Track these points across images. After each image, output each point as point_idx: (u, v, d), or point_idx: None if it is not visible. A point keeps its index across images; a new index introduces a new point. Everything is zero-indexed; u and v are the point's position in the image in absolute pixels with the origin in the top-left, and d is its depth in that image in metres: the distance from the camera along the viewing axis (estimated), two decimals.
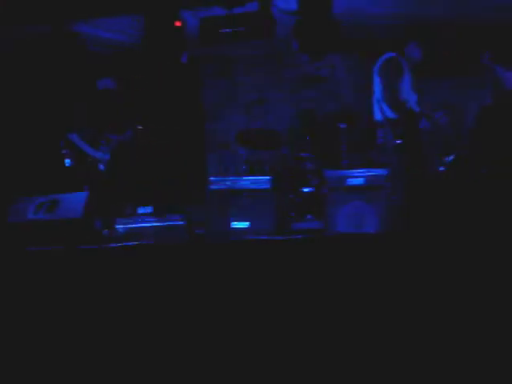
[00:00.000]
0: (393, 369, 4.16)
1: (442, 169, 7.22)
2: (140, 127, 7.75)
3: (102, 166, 7.71)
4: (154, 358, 4.73)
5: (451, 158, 7.27)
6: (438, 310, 4.41)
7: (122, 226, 7.39)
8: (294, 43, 7.17)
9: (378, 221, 6.71)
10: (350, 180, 7.02)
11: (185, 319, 4.91)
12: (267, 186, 7.52)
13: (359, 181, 6.98)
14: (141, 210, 7.74)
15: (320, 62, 8.44)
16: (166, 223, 7.42)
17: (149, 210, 7.75)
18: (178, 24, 7.26)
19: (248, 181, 7.76)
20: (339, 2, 6.93)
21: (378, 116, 6.96)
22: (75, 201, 7.15)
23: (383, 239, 6.19)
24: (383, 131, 6.91)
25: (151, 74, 8.15)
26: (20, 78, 8.57)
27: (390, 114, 6.78)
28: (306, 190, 8.05)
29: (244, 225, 7.29)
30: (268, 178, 7.68)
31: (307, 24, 7.02)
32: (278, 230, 7.21)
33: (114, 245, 6.99)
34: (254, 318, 4.83)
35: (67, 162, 7.69)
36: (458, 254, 4.71)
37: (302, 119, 8.63)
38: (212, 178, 8.00)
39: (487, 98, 7.26)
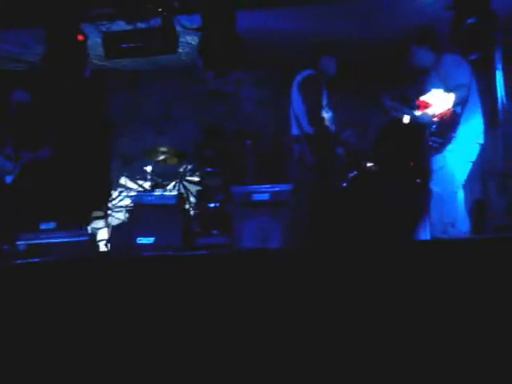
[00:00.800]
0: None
1: (344, 185, 7.09)
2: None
3: (9, 179, 7.38)
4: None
5: (354, 174, 7.14)
6: (343, 323, 4.25)
7: (23, 242, 7.14)
8: (198, 60, 6.92)
9: (282, 236, 6.65)
10: (255, 195, 6.97)
11: (85, 336, 4.48)
12: (173, 201, 7.45)
13: (264, 196, 6.94)
14: (43, 226, 7.36)
15: (225, 79, 8.14)
16: (69, 239, 7.14)
17: (51, 225, 7.39)
18: (80, 38, 6.89)
19: (154, 196, 7.71)
20: (243, 19, 6.74)
21: (295, 131, 6.83)
22: None
23: (288, 254, 6.42)
24: (300, 146, 6.78)
25: (55, 88, 7.77)
26: None
27: (309, 130, 6.66)
28: (211, 205, 7.91)
29: (149, 240, 7.12)
30: (174, 193, 7.76)
31: (211, 41, 6.81)
32: (184, 246, 7.09)
33: (14, 261, 6.70)
34: (158, 334, 4.44)
35: None
36: (359, 267, 4.53)
37: (208, 135, 8.52)
38: (116, 193, 8.11)
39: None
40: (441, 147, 6.11)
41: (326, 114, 6.76)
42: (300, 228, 6.61)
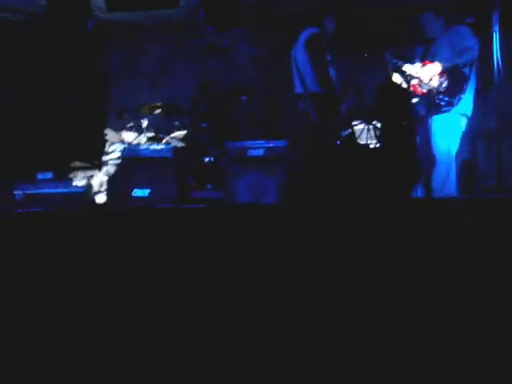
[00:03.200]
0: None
1: (338, 142, 7.02)
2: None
3: None
4: None
5: (347, 132, 7.11)
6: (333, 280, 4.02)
7: (20, 192, 6.99)
8: (200, 14, 6.89)
9: (276, 192, 6.48)
10: (249, 151, 6.77)
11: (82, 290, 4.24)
12: (169, 154, 7.23)
13: (259, 152, 6.75)
14: (40, 176, 7.23)
15: (223, 34, 8.22)
16: (65, 190, 6.99)
17: (48, 175, 7.24)
18: None
19: (149, 149, 7.45)
20: None
21: (298, 89, 6.73)
22: None
23: (281, 210, 6.28)
24: (304, 104, 6.68)
25: (55, 38, 7.56)
26: None
27: (315, 89, 6.55)
28: (206, 159, 7.77)
29: (144, 193, 6.92)
30: (170, 146, 7.52)
31: None
32: (179, 199, 6.94)
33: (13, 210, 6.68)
34: (152, 286, 4.19)
35: None
36: (349, 224, 4.25)
37: (203, 90, 8.29)
38: (113, 145, 8.04)
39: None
40: (448, 106, 6.06)
41: (331, 72, 6.73)
42: (295, 184, 6.50)
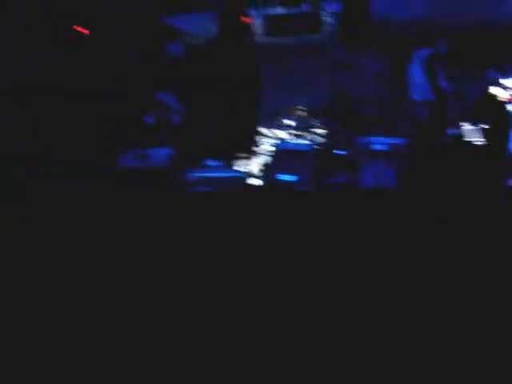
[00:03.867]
0: None
1: (447, 141, 7.72)
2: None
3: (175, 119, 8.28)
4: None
5: (455, 132, 7.78)
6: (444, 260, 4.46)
7: (193, 175, 7.92)
8: (335, 38, 8.01)
9: (396, 179, 7.29)
10: (375, 146, 7.58)
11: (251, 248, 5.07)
12: (309, 148, 8.17)
13: (383, 147, 7.55)
14: (209, 163, 8.26)
15: (353, 53, 8.71)
16: (227, 174, 8.06)
17: (215, 163, 8.27)
18: (246, 20, 8.11)
19: (293, 144, 8.42)
20: (375, 7, 7.66)
21: (415, 97, 7.59)
22: (161, 154, 7.97)
23: (400, 192, 6.98)
24: (419, 109, 7.54)
25: (220, 57, 8.49)
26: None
27: (430, 96, 7.43)
28: (339, 152, 8.34)
29: (289, 178, 7.76)
30: (310, 142, 8.41)
31: (347, 23, 7.83)
32: (316, 184, 7.68)
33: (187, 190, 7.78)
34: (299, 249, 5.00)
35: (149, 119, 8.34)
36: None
37: (338, 97, 9.01)
38: (267, 140, 8.74)
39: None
40: None
41: (443, 85, 7.48)
42: (412, 172, 7.25)
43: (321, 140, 8.73)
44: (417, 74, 7.60)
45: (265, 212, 5.91)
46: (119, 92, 8.79)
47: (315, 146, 8.31)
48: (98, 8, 8.47)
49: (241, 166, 8.68)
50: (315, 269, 4.57)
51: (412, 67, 7.64)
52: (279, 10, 8.06)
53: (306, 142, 8.45)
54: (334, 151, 8.47)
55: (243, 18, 8.09)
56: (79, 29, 8.32)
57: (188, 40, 8.41)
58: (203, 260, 4.86)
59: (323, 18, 7.98)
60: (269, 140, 8.86)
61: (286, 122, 8.88)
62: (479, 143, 7.71)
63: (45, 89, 8.43)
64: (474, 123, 7.99)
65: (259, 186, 8.22)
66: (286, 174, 7.80)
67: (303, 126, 8.86)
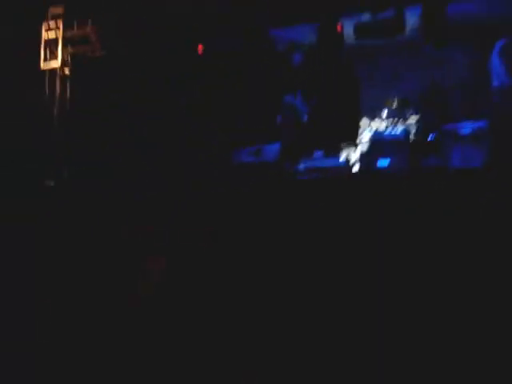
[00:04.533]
0: None
1: None
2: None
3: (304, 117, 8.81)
4: None
5: None
6: None
7: (302, 165, 8.55)
8: (420, 37, 8.38)
9: (482, 159, 7.51)
10: (460, 130, 7.86)
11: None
12: (402, 135, 8.69)
13: (467, 130, 7.79)
14: (315, 154, 8.88)
15: (439, 49, 9.08)
16: (332, 163, 8.58)
17: (320, 153, 8.87)
18: (339, 28, 8.63)
19: (388, 133, 8.98)
20: (453, 7, 8.01)
21: (495, 83, 7.85)
22: (273, 149, 8.57)
23: (486, 172, 7.19)
24: (500, 94, 7.85)
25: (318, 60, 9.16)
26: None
27: (508, 82, 7.74)
28: (429, 137, 8.81)
29: (386, 163, 8.15)
30: (403, 130, 8.89)
31: (428, 23, 8.25)
32: (410, 167, 8.06)
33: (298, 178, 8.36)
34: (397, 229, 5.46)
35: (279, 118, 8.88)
36: None
37: (428, 88, 9.40)
38: (365, 130, 9.29)
39: None
40: None
41: None
42: (497, 153, 7.44)
43: (414, 128, 9.11)
44: (496, 63, 7.90)
45: (365, 195, 6.35)
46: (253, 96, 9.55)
47: (407, 134, 8.72)
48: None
49: (344, 155, 9.15)
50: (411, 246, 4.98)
51: (492, 57, 7.93)
52: (367, 17, 8.54)
53: (400, 131, 8.86)
54: (425, 136, 8.87)
55: (338, 27, 8.62)
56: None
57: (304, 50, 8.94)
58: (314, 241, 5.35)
59: (406, 20, 8.37)
60: (367, 130, 9.31)
61: (383, 113, 9.33)
62: None
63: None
64: None
65: (361, 172, 8.61)
66: (385, 160, 8.15)
67: (398, 116, 9.30)
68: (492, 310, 4.14)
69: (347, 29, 8.76)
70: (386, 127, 9.20)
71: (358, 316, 4.32)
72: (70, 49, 10.46)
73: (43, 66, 10.47)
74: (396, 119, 9.29)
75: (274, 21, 8.95)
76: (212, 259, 5.51)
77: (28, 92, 10.10)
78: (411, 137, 8.85)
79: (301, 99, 8.66)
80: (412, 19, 8.54)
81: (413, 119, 9.20)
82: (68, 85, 10.53)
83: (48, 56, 10.46)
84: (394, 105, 9.38)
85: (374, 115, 9.55)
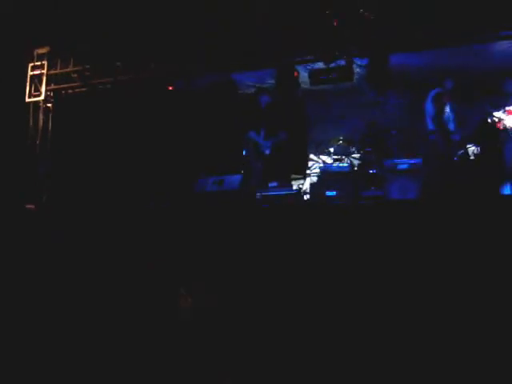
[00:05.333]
0: None
1: (456, 159, 8.19)
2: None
3: (267, 151, 8.59)
4: None
5: (461, 152, 8.31)
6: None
7: (259, 194, 8.32)
8: (365, 84, 8.37)
9: (418, 191, 7.54)
10: (399, 165, 7.85)
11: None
12: (347, 169, 8.56)
13: (405, 166, 7.80)
14: (271, 184, 8.65)
15: (382, 95, 9.34)
16: (285, 192, 8.24)
17: (275, 184, 8.65)
18: (295, 74, 8.56)
19: (335, 166, 8.96)
20: (393, 59, 8.03)
21: (430, 126, 7.99)
22: (234, 179, 8.22)
23: (421, 202, 7.08)
24: (433, 136, 8.00)
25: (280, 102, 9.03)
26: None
27: (436, 126, 7.92)
28: (370, 171, 8.89)
29: (333, 193, 8.13)
30: (348, 164, 8.90)
31: (373, 73, 8.16)
32: (354, 197, 8.02)
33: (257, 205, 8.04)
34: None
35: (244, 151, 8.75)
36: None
37: (368, 128, 9.51)
38: (314, 164, 9.31)
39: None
40: None
41: (450, 115, 7.90)
42: (430, 185, 7.52)
43: (356, 162, 9.22)
44: (429, 108, 8.03)
45: (315, 220, 6.14)
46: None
47: (352, 167, 8.75)
48: None
49: (295, 185, 9.23)
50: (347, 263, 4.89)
51: (426, 103, 8.06)
52: (320, 65, 8.53)
53: (345, 164, 8.90)
54: (367, 171, 8.92)
55: (294, 73, 8.59)
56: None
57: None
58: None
59: (355, 69, 8.39)
60: (316, 164, 9.49)
61: (329, 149, 9.42)
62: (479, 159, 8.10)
63: None
64: (475, 144, 8.52)
65: (310, 200, 8.70)
66: (330, 190, 8.14)
67: (342, 152, 9.43)
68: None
69: (303, 75, 8.75)
70: (333, 161, 9.29)
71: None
72: (53, 85, 10.19)
73: (28, 99, 10.37)
74: (341, 154, 9.43)
75: (236, 66, 8.93)
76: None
77: (13, 122, 10.03)
78: (355, 170, 8.90)
79: (263, 135, 8.48)
80: (359, 68, 8.62)
81: (356, 154, 9.35)
82: (50, 117, 10.36)
83: (33, 91, 10.37)
84: (340, 141, 9.50)
85: (322, 150, 9.65)
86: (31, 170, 10.16)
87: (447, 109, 8.02)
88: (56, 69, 10.13)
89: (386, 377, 3.49)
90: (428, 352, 3.61)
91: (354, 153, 9.39)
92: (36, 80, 10.17)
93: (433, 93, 8.04)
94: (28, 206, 9.19)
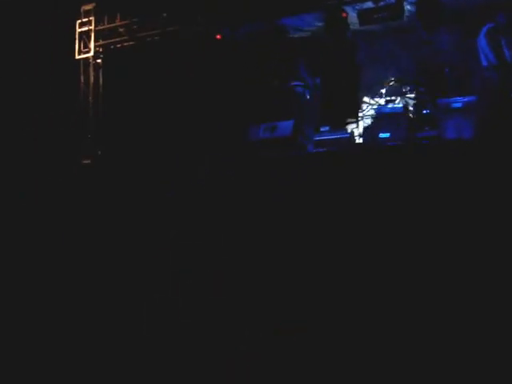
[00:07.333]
0: None
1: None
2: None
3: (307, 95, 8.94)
4: None
5: None
6: None
7: (314, 139, 8.60)
8: (417, 22, 8.33)
9: (472, 129, 7.57)
10: (453, 104, 7.81)
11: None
12: (400, 110, 8.49)
13: (459, 104, 7.77)
14: (322, 128, 8.88)
15: (432, 31, 8.92)
16: (337, 136, 8.57)
17: (326, 128, 8.88)
18: (344, 15, 8.63)
19: (388, 108, 8.83)
20: None
21: (484, 62, 7.83)
22: (287, 125, 8.55)
23: (475, 142, 7.19)
24: (488, 72, 7.84)
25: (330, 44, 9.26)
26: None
27: (494, 61, 7.72)
28: (424, 111, 8.88)
29: (386, 135, 8.13)
30: (401, 105, 8.75)
31: (424, 10, 8.17)
32: (408, 137, 8.01)
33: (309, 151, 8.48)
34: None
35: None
36: None
37: (421, 67, 9.48)
38: (368, 106, 9.38)
39: None
40: None
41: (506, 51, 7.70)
42: (485, 123, 7.50)
43: (411, 102, 9.14)
44: (483, 44, 7.87)
45: (369, 164, 6.37)
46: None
47: (405, 108, 8.65)
48: None
49: (349, 128, 9.29)
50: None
51: (479, 39, 7.91)
52: (369, 4, 8.53)
53: (399, 105, 8.78)
54: (421, 111, 8.89)
55: (342, 14, 8.62)
56: None
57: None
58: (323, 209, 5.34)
59: (405, 7, 8.32)
60: (368, 106, 9.43)
61: (382, 90, 9.33)
62: None
63: None
64: None
65: (364, 144, 8.74)
66: (384, 132, 8.14)
67: (395, 92, 9.30)
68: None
69: (351, 15, 8.75)
70: (386, 103, 9.19)
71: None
72: (101, 41, 10.46)
73: (78, 56, 10.68)
74: (395, 95, 9.30)
75: (283, 11, 8.90)
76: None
77: (65, 79, 10.30)
78: (408, 111, 8.85)
79: (309, 79, 8.75)
80: (409, 5, 8.56)
81: (409, 95, 9.23)
82: (101, 73, 10.65)
83: (82, 48, 10.65)
84: (392, 83, 9.38)
85: (375, 93, 9.56)
86: (85, 126, 10.40)
87: (502, 44, 7.83)
88: (103, 24, 10.34)
89: (386, 375, 3.54)
90: (433, 343, 3.74)
91: (407, 93, 9.25)
92: (84, 37, 10.44)
93: (486, 28, 7.90)
94: (84, 162, 9.60)
